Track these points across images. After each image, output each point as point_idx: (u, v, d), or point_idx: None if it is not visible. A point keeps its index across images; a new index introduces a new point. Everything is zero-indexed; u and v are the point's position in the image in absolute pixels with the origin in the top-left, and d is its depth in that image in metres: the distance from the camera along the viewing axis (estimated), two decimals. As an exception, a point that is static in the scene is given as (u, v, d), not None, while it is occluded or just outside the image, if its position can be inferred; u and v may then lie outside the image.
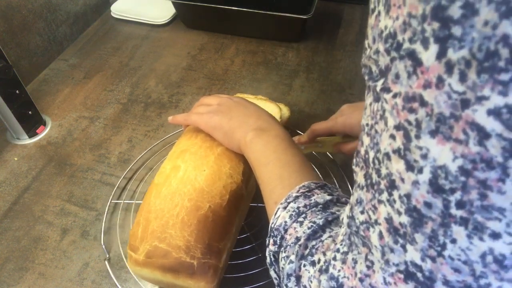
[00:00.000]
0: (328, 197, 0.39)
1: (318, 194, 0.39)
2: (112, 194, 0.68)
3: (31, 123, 0.79)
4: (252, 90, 0.88)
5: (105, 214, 0.65)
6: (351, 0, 1.13)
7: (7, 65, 0.70)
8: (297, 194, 0.39)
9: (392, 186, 0.25)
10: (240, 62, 0.95)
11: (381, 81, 0.25)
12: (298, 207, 0.38)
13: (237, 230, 0.56)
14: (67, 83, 0.91)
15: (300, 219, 0.37)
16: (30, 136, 0.79)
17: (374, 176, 0.27)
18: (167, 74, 0.93)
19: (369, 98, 0.27)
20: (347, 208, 0.33)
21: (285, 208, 0.38)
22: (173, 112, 0.83)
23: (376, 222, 0.27)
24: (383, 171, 0.26)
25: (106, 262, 0.59)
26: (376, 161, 0.26)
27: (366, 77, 0.27)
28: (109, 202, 0.67)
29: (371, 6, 0.25)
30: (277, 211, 0.39)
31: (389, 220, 0.26)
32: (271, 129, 0.50)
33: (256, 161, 0.47)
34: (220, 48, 1.00)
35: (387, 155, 0.25)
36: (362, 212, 0.29)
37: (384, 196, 0.26)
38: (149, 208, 0.51)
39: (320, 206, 0.37)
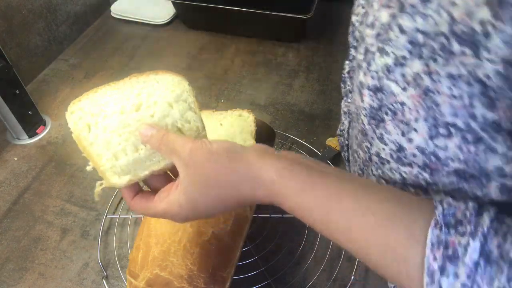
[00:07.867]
0: (478, 244, 0.26)
1: (467, 244, 0.26)
2: (111, 200, 0.68)
3: (31, 123, 0.79)
4: (252, 90, 0.88)
5: (103, 220, 0.65)
6: (351, 0, 1.12)
7: (7, 65, 0.70)
8: (439, 262, 0.26)
9: None
10: (240, 62, 0.95)
11: None
12: (464, 285, 0.25)
13: (241, 250, 0.53)
14: (67, 83, 0.91)
15: None
16: (30, 136, 0.79)
17: None
18: (167, 74, 0.93)
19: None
20: None
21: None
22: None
23: None
24: None
25: (104, 280, 0.58)
26: None
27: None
28: (108, 205, 0.67)
29: None
30: None
31: None
32: (284, 154, 0.35)
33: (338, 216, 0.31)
34: (220, 48, 1.00)
35: None
36: None
37: None
38: (149, 232, 0.49)
39: (487, 263, 0.25)
